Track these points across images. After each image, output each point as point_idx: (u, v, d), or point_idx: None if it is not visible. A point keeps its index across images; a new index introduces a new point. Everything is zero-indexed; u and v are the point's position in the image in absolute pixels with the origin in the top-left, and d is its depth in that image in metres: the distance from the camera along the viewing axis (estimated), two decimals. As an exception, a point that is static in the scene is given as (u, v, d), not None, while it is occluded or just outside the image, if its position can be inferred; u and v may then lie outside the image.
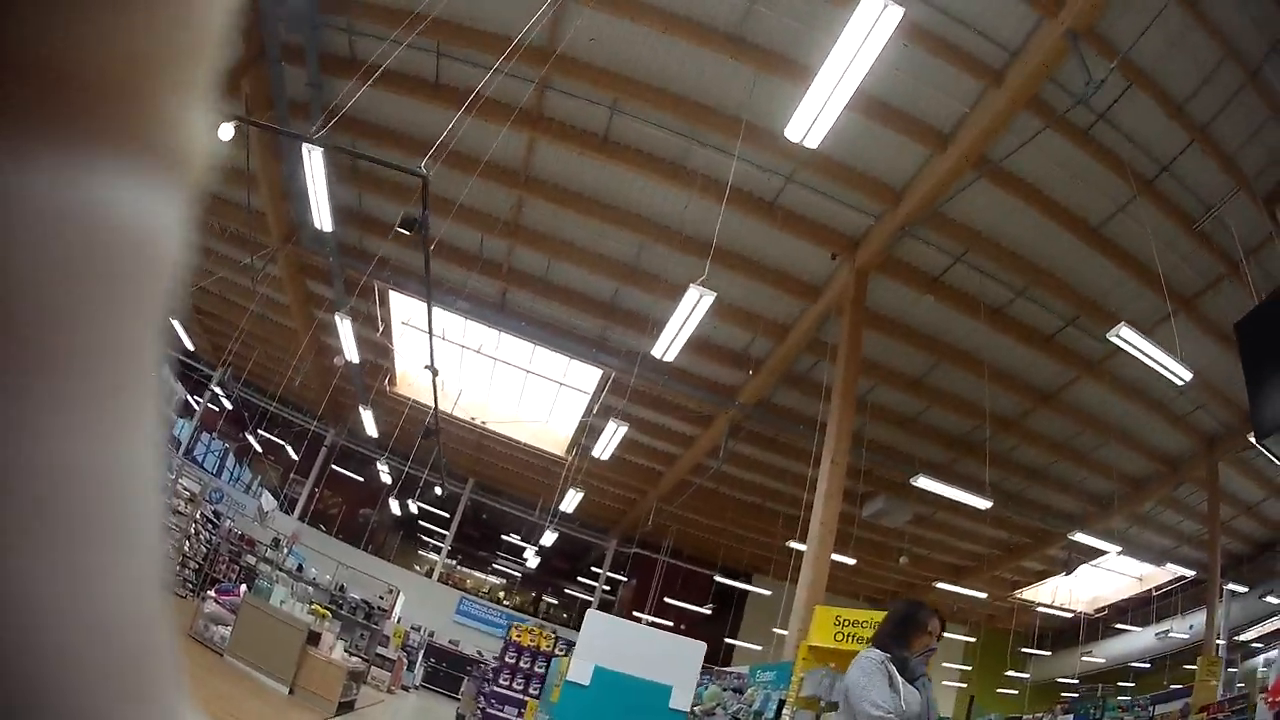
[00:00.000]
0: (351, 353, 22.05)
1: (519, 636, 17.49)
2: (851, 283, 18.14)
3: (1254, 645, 28.96)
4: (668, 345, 15.66)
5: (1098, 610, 39.79)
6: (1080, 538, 24.91)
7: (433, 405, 22.79)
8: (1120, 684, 37.54)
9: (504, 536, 44.46)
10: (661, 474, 30.48)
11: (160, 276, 0.36)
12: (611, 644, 9.06)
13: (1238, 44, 13.29)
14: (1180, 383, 15.59)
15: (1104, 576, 36.65)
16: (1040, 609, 38.59)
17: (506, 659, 17.27)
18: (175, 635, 0.41)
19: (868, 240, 18.00)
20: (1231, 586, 31.62)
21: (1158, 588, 36.64)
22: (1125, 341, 14.20)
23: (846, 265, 18.38)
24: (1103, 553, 30.71)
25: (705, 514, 34.06)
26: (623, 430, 21.07)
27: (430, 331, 18.60)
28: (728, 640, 37.14)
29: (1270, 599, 31.36)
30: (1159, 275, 16.98)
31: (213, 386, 33.21)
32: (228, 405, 35.11)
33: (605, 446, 22.16)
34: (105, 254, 0.33)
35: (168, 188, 0.37)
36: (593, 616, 9.64)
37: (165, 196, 0.37)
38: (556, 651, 16.74)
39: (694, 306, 14.39)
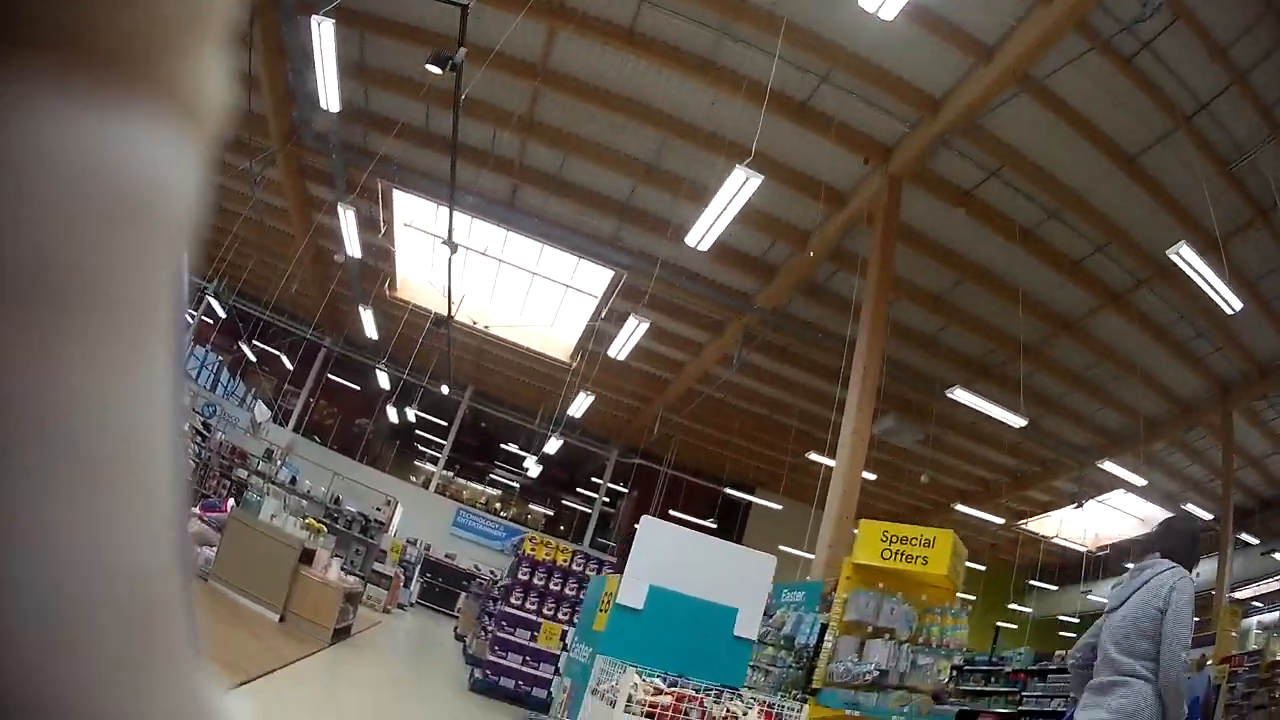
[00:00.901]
0: (353, 246, 21.97)
1: (533, 550, 15.60)
2: (885, 190, 18.08)
3: (1253, 604, 28.64)
4: (704, 232, 15.50)
5: (1100, 548, 39.52)
6: (1109, 466, 24.55)
7: (446, 288, 22.47)
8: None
9: (503, 446, 44.16)
10: (668, 382, 30.44)
11: (179, 222, 0.39)
12: (668, 559, 7.99)
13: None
14: (1230, 311, 15.57)
15: (1108, 514, 36.77)
16: (1044, 542, 38.99)
17: (519, 575, 15.50)
18: (191, 586, 0.41)
19: (902, 148, 17.93)
20: (1244, 537, 31.66)
21: (1164, 529, 36.08)
22: (1184, 260, 14.09)
23: (879, 172, 18.33)
24: (1112, 488, 30.62)
25: (711, 425, 34.06)
26: (644, 326, 20.83)
27: (452, 194, 18.40)
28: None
29: (1277, 555, 31.70)
30: (1191, 212, 17.56)
31: (207, 297, 33.04)
32: (221, 315, 34.55)
33: (624, 344, 21.95)
34: (128, 202, 0.36)
35: (186, 140, 0.39)
36: (649, 525, 8.31)
37: (184, 148, 0.39)
38: (584, 569, 15.62)
39: (739, 189, 14.13)
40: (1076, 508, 31.83)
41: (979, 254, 20.79)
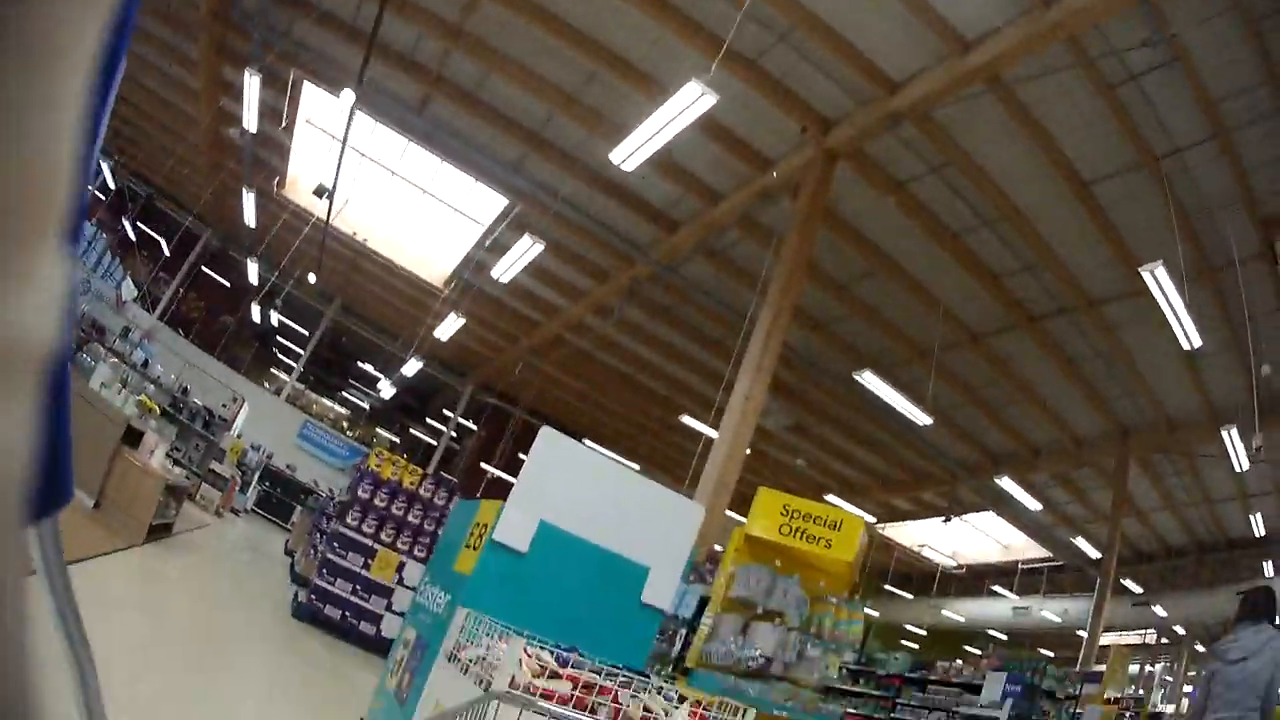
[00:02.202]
0: (252, 120, 20.75)
1: (379, 466, 13.89)
2: (818, 163, 17.47)
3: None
4: (636, 149, 14.40)
5: (958, 566, 39.91)
6: (1006, 484, 24.87)
7: (330, 190, 22.00)
8: (966, 648, 37.99)
9: (360, 364, 43.25)
10: (539, 325, 29.39)
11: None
12: (569, 490, 5.90)
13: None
14: (1189, 347, 15.49)
15: (970, 535, 37.37)
16: (901, 551, 39.60)
17: (359, 493, 13.67)
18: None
19: (845, 124, 17.31)
20: (1129, 584, 32.05)
21: (1025, 561, 36.77)
22: (1156, 282, 13.80)
23: (813, 145, 17.66)
24: (981, 509, 30.60)
25: (576, 377, 33.58)
26: (537, 248, 20.16)
27: (359, 85, 17.89)
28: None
29: (1158, 609, 33.62)
30: (1134, 251, 17.36)
31: (103, 168, 31.94)
32: (111, 188, 33.60)
33: (510, 265, 21.30)
34: None
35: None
36: (549, 440, 6.01)
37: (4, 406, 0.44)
38: (433, 497, 14.16)
39: (689, 106, 13.03)
40: (944, 521, 31.97)
41: (898, 249, 20.35)
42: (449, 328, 26.57)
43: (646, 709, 4.14)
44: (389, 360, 39.20)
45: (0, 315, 0.42)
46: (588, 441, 33.64)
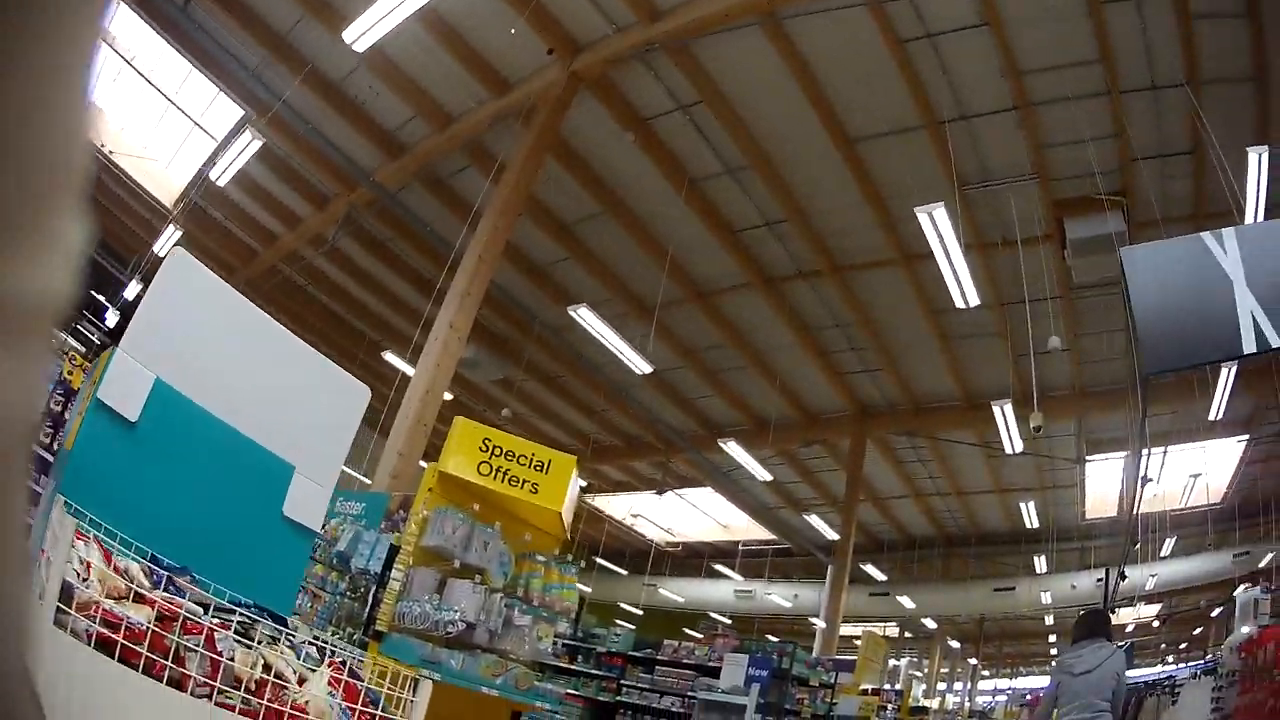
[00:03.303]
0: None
1: (71, 375, 11.52)
2: (559, 87, 16.52)
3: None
4: (371, 25, 13.51)
5: (671, 544, 39.40)
6: (733, 449, 23.70)
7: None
8: (687, 630, 37.68)
9: (92, 293, 40.43)
10: (257, 254, 27.31)
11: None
12: (200, 343, 4.13)
13: (1119, 58, 13.79)
14: (964, 306, 15.37)
15: (688, 512, 37.39)
16: (610, 524, 39.28)
17: (51, 405, 11.75)
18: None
19: (597, 48, 16.33)
20: (871, 570, 31.99)
21: (747, 543, 36.48)
22: (935, 228, 13.46)
23: (559, 67, 16.63)
24: (697, 485, 30.20)
25: (285, 312, 31.18)
26: (256, 145, 18.74)
27: None
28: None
29: (905, 600, 34.98)
30: (895, 218, 17.43)
31: None
32: None
33: (230, 164, 19.72)
34: None
35: (17, 355, 0.47)
36: (180, 264, 4.28)
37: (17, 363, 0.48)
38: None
39: None
40: (658, 494, 31.91)
41: (630, 190, 19.49)
42: (166, 244, 24.45)
43: (269, 667, 2.67)
44: (117, 288, 36.56)
45: (22, 274, 0.46)
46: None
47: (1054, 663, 12.76)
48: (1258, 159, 12.05)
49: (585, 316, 18.55)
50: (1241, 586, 14.98)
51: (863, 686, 19.93)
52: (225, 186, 21.40)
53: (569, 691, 16.80)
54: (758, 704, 14.13)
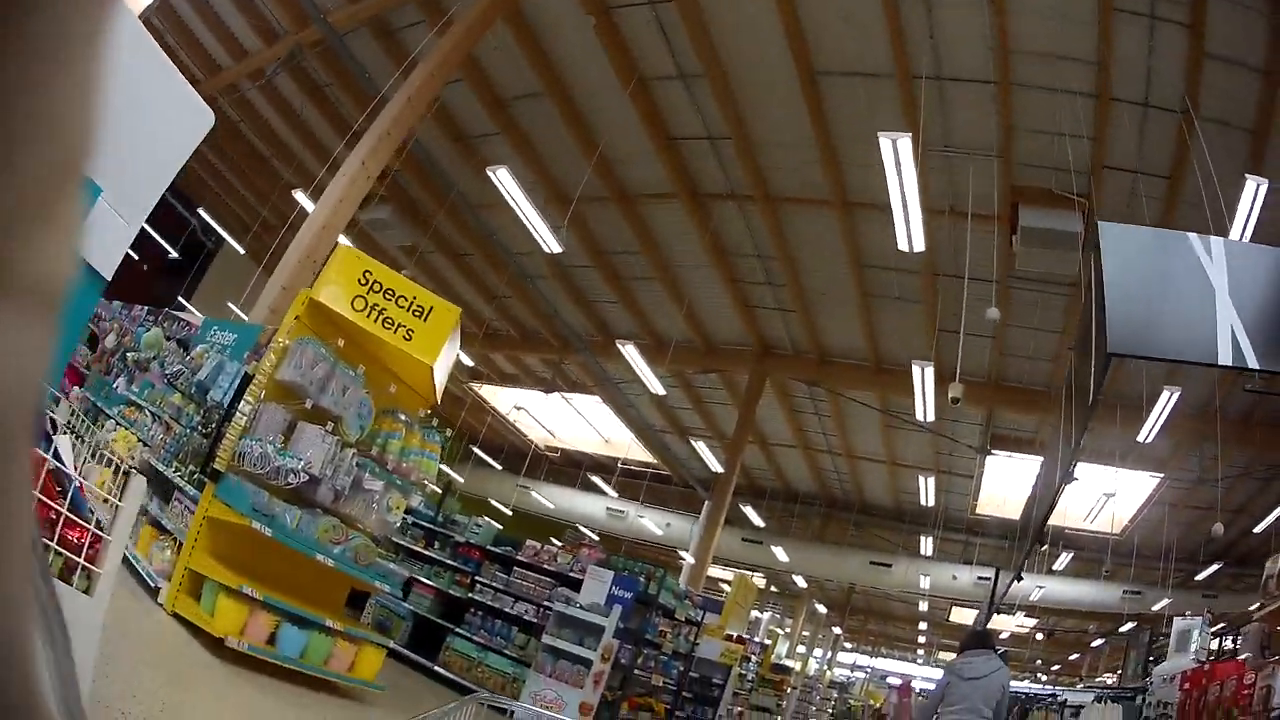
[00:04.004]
0: None
1: None
2: None
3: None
4: None
5: (551, 448, 39.19)
6: (630, 352, 22.63)
7: None
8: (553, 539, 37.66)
9: None
10: (199, 82, 26.48)
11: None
12: None
13: (1117, 67, 13.95)
14: (906, 250, 14.99)
15: (572, 419, 37.45)
16: (496, 417, 39.03)
17: None
18: None
19: None
20: (751, 513, 31.91)
21: (626, 462, 36.29)
22: (895, 157, 12.78)
23: None
24: (587, 391, 30.48)
25: (209, 142, 30.23)
26: None
27: None
28: (181, 300, 32.77)
29: (779, 552, 34.97)
30: (839, 156, 17.33)
31: None
32: None
33: None
34: None
35: (28, 324, 0.49)
36: None
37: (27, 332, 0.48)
38: None
39: None
40: (545, 393, 31.93)
41: (577, 76, 18.98)
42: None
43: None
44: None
45: (33, 256, 0.48)
46: (201, 212, 31.20)
47: (945, 665, 14.66)
48: (1255, 187, 11.98)
49: (504, 180, 17.57)
50: (1180, 616, 14.60)
51: (728, 631, 19.59)
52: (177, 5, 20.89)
53: (422, 581, 16.08)
54: (617, 627, 13.30)
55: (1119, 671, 20.15)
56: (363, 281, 8.32)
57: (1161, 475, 25.48)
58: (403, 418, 8.89)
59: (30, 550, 0.49)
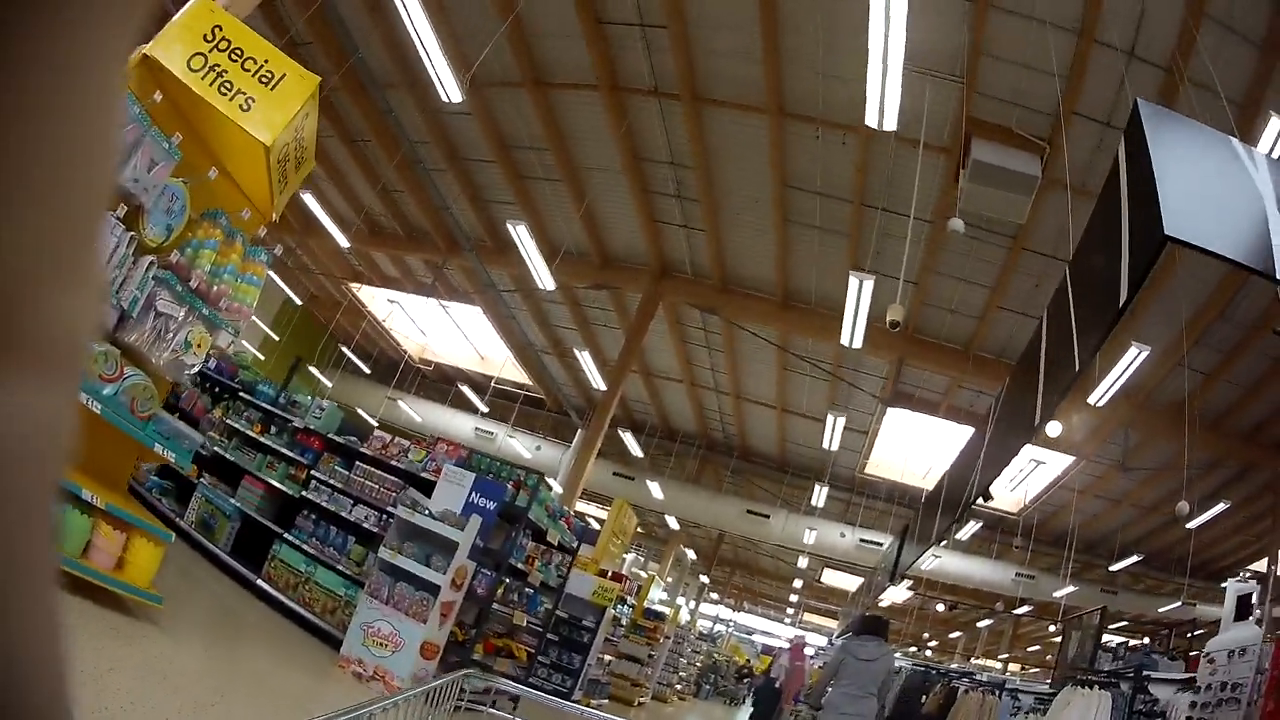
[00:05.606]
0: None
1: None
2: None
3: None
4: None
5: (425, 362, 37.94)
6: (522, 233, 19.95)
7: None
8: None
9: None
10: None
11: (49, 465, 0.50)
12: None
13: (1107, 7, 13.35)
14: (875, 127, 13.70)
15: (449, 331, 36.66)
16: (371, 321, 37.65)
17: None
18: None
19: None
20: (630, 441, 30.69)
21: (501, 381, 35.21)
22: (886, 13, 11.27)
23: None
24: (469, 301, 30.33)
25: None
26: None
27: None
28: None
29: (654, 488, 34.19)
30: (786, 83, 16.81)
31: None
32: None
33: None
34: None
35: (49, 384, 0.49)
36: None
37: (48, 392, 0.49)
38: None
39: None
40: (440, 302, 30.95)
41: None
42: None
43: None
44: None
45: (60, 305, 0.49)
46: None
47: (840, 642, 18.69)
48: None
49: (410, 5, 14.73)
50: (1230, 580, 12.71)
51: (601, 567, 18.15)
52: None
53: (249, 472, 13.41)
54: (475, 545, 10.68)
55: (1056, 656, 19.15)
56: (209, 38, 6.57)
57: (1075, 458, 25.00)
58: (224, 222, 7.00)
59: (58, 604, 0.51)
